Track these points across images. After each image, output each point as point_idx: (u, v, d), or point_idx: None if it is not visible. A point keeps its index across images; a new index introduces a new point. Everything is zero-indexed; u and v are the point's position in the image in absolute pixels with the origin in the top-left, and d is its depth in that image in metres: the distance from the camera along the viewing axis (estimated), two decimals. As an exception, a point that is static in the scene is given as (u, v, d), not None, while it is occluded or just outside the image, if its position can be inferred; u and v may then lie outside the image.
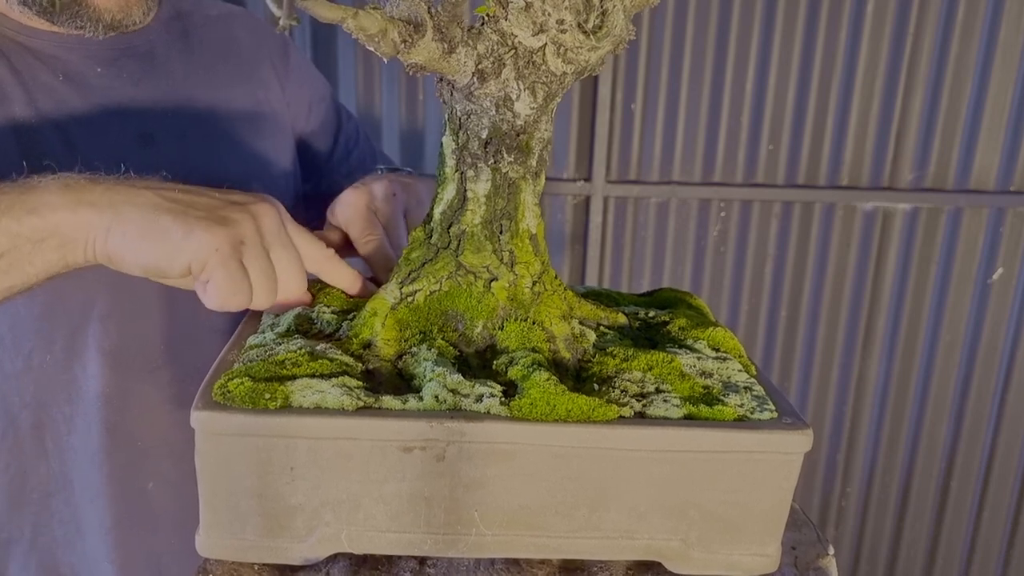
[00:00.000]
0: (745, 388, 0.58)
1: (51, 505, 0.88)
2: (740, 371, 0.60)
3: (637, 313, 0.71)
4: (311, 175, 1.05)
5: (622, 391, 0.55)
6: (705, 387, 0.57)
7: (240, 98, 0.96)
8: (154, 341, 0.86)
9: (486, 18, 0.57)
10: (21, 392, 0.84)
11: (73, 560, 0.89)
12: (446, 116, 0.62)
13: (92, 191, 0.62)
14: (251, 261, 0.61)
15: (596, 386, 0.56)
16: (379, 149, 1.17)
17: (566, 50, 0.57)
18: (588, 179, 1.93)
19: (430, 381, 0.54)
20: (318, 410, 0.51)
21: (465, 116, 0.60)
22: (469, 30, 0.57)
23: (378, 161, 1.11)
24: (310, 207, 0.98)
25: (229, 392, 0.52)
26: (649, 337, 0.67)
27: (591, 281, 1.99)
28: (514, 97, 0.58)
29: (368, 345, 0.59)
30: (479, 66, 0.57)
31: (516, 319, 0.60)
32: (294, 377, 0.53)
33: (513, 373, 0.56)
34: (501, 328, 0.60)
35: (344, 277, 0.69)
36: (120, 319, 0.84)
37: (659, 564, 0.56)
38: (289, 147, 1.02)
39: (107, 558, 0.89)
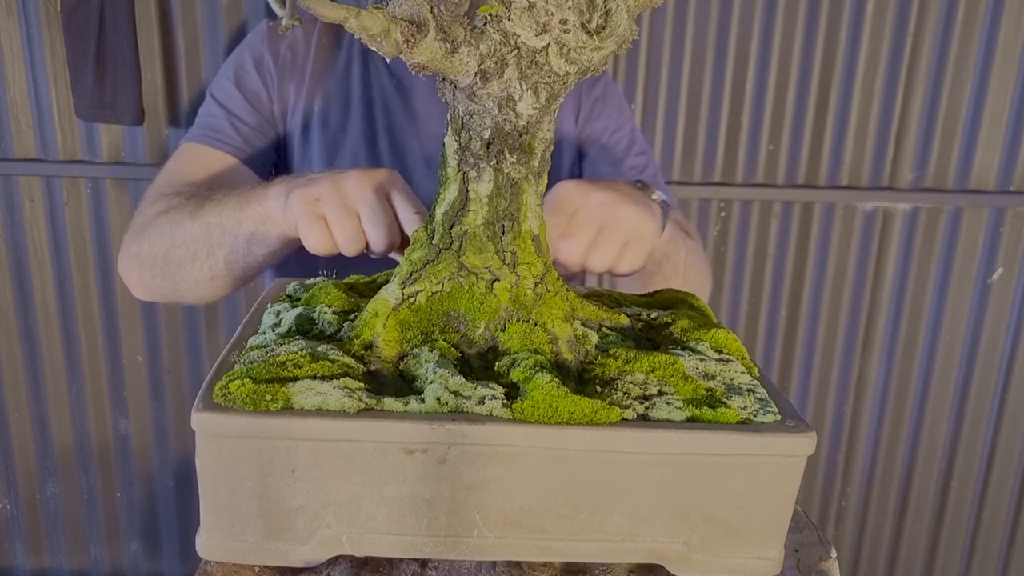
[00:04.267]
0: (748, 390, 0.57)
1: None
2: (743, 373, 0.60)
3: (639, 314, 0.71)
4: None
5: (624, 393, 0.55)
6: (708, 389, 0.57)
7: None
8: None
9: (489, 18, 0.57)
10: None
11: None
12: (448, 116, 0.62)
13: (289, 182, 0.86)
14: (327, 213, 0.79)
15: (598, 388, 0.56)
16: (664, 185, 1.25)
17: (569, 50, 0.57)
18: (588, 179, 1.93)
19: (432, 383, 0.54)
20: (319, 412, 0.51)
21: (467, 116, 0.60)
22: (472, 30, 0.57)
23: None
24: None
25: (230, 394, 0.51)
26: (651, 339, 0.67)
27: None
28: (517, 97, 0.58)
29: (369, 346, 0.59)
30: (482, 66, 0.57)
31: (518, 320, 0.60)
32: (295, 379, 0.53)
33: (515, 375, 0.56)
34: (503, 329, 0.60)
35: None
36: None
37: (661, 567, 0.56)
38: (567, 169, 1.21)
39: None
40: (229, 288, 0.99)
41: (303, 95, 1.17)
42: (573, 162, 1.25)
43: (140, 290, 1.06)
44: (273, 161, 1.18)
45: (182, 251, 0.96)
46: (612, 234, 0.81)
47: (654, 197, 0.91)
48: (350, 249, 0.80)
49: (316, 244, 0.80)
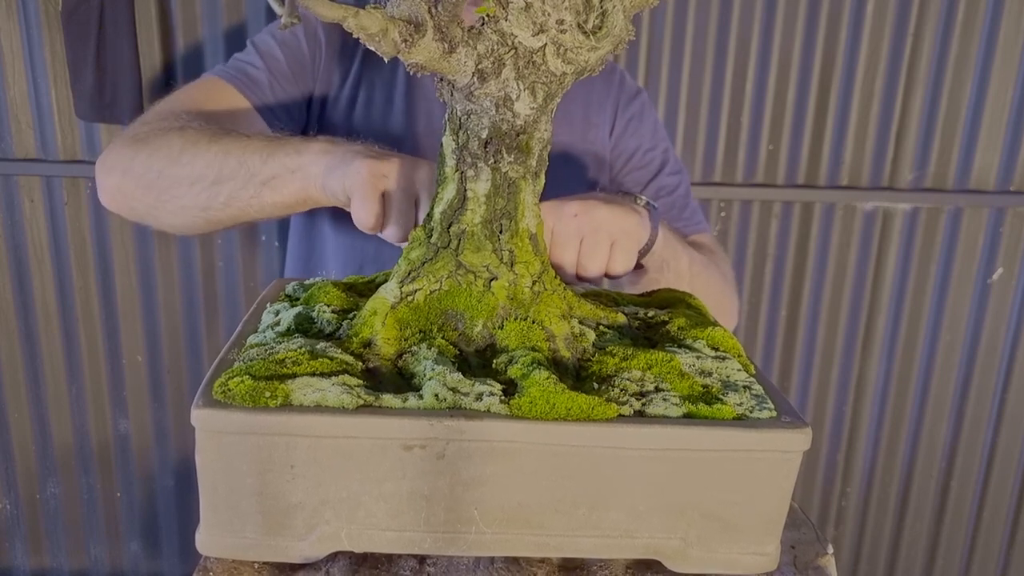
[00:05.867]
0: (744, 387, 0.58)
1: None
2: (739, 370, 0.60)
3: (636, 313, 0.71)
4: None
5: (621, 390, 0.56)
6: (704, 386, 0.57)
7: (578, 134, 1.19)
8: None
9: (486, 18, 0.57)
10: None
11: None
12: (446, 116, 0.62)
13: (335, 144, 0.84)
14: (389, 193, 0.76)
15: (596, 385, 0.56)
16: (695, 206, 1.26)
17: (566, 50, 0.57)
18: (588, 179, 1.93)
19: (430, 380, 0.54)
20: (318, 408, 0.51)
21: (465, 116, 0.60)
22: (469, 30, 0.57)
23: (685, 214, 1.22)
24: None
25: (230, 391, 0.52)
26: (648, 337, 0.67)
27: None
28: (514, 97, 0.59)
29: (368, 344, 0.59)
30: (479, 66, 0.57)
31: (516, 318, 0.61)
32: (294, 376, 0.53)
33: (513, 372, 0.56)
34: (501, 327, 0.60)
35: None
36: None
37: (658, 563, 0.56)
38: (601, 181, 1.21)
39: None
40: (211, 226, 0.94)
41: (347, 87, 1.14)
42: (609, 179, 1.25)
43: (113, 198, 0.99)
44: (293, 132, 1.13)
45: (186, 170, 0.90)
46: (595, 239, 0.80)
47: (638, 202, 0.91)
48: (397, 235, 0.77)
49: (366, 220, 0.76)
